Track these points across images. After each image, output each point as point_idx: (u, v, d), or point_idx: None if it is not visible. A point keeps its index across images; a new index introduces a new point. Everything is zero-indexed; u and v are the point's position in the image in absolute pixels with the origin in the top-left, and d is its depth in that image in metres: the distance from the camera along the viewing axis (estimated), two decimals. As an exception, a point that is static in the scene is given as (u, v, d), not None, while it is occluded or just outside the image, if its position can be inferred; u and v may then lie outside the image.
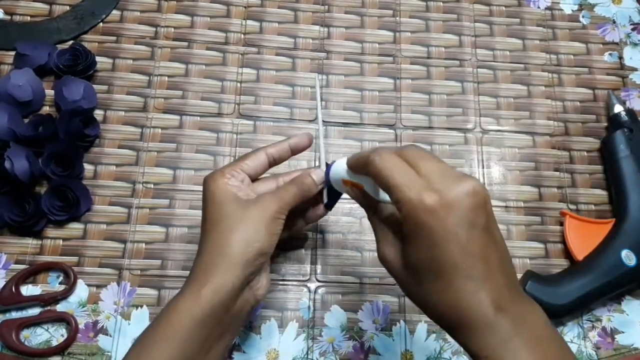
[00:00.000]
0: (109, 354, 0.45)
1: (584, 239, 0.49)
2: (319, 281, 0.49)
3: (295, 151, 0.41)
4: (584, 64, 0.58)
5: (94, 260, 0.48)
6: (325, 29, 0.58)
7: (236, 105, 0.54)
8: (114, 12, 0.56)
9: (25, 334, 0.45)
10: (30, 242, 0.48)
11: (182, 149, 0.52)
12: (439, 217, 0.28)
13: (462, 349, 0.47)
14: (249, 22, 0.57)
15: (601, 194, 0.53)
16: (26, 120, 0.51)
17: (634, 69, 0.58)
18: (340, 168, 0.37)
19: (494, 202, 0.51)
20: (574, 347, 0.48)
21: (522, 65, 0.58)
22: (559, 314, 0.46)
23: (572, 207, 0.53)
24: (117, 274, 0.48)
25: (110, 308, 0.46)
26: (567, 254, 0.50)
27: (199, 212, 0.38)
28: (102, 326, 0.46)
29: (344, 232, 0.50)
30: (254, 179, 0.40)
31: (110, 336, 0.46)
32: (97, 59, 0.54)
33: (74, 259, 0.48)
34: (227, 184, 0.37)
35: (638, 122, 0.52)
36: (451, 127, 0.55)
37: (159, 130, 0.52)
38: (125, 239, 0.49)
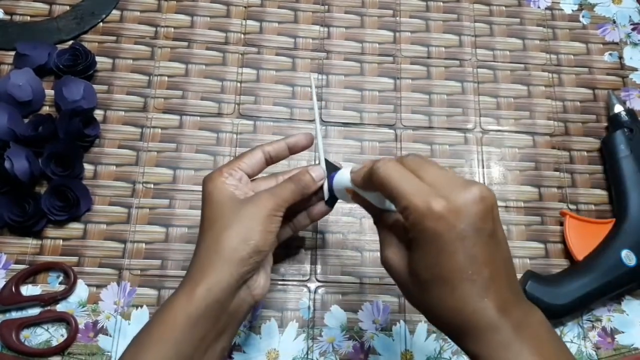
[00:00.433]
0: (109, 354, 0.45)
1: (584, 239, 0.49)
2: (319, 281, 0.49)
3: (293, 150, 0.41)
4: (584, 64, 0.58)
5: (94, 260, 0.48)
6: (325, 29, 0.58)
7: (236, 105, 0.54)
8: (114, 12, 0.56)
9: (25, 334, 0.45)
10: (30, 242, 0.48)
11: (182, 149, 0.52)
12: (447, 223, 0.28)
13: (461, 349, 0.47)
14: (249, 22, 0.57)
15: (601, 194, 0.53)
16: (26, 120, 0.51)
17: (634, 69, 0.58)
18: (344, 178, 0.37)
19: (494, 202, 0.51)
20: (574, 347, 0.48)
21: (522, 65, 0.58)
22: (559, 314, 0.46)
23: (572, 207, 0.53)
24: (117, 274, 0.48)
25: (110, 308, 0.46)
26: (567, 254, 0.50)
27: (199, 212, 0.38)
28: (102, 326, 0.46)
29: (344, 232, 0.50)
30: (252, 177, 0.40)
31: (110, 336, 0.46)
32: (97, 59, 0.54)
33: (74, 259, 0.48)
34: (225, 183, 0.37)
35: (638, 122, 0.52)
36: (451, 127, 0.55)
37: (159, 130, 0.52)
38: (125, 239, 0.49)
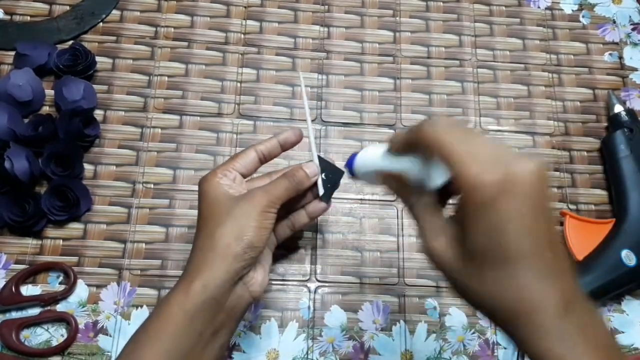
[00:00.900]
0: (109, 354, 0.45)
1: (584, 239, 0.49)
2: (319, 281, 0.49)
3: (284, 147, 0.41)
4: (584, 64, 0.58)
5: (94, 260, 0.48)
6: (325, 29, 0.58)
7: (236, 105, 0.54)
8: (114, 12, 0.56)
9: (25, 334, 0.45)
10: (30, 242, 0.48)
11: (182, 149, 0.52)
12: (506, 196, 0.25)
13: (462, 349, 0.47)
14: (249, 22, 0.57)
15: (601, 194, 0.53)
16: (26, 120, 0.51)
17: (634, 69, 0.58)
18: (371, 158, 0.34)
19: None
20: (574, 347, 0.48)
21: (522, 65, 0.58)
22: (559, 314, 0.46)
23: (572, 207, 0.52)
24: (117, 274, 0.48)
25: (110, 308, 0.46)
26: (567, 254, 0.50)
27: (199, 212, 0.38)
28: (102, 326, 0.46)
29: (344, 232, 0.50)
30: (246, 176, 0.40)
31: (110, 336, 0.46)
32: (97, 59, 0.54)
33: (74, 259, 0.48)
34: (219, 183, 0.37)
35: (638, 122, 0.52)
36: (451, 127, 0.55)
37: (159, 130, 0.52)
38: (125, 239, 0.49)
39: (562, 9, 0.61)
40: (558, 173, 0.54)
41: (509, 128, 0.55)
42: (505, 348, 0.47)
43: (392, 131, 0.54)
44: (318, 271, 0.49)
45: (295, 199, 0.40)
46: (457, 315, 0.48)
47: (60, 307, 0.46)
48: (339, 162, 0.43)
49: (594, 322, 0.27)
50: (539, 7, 0.60)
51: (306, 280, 0.49)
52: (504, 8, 0.60)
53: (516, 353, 0.47)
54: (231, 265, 0.35)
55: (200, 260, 0.35)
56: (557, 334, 0.25)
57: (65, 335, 0.45)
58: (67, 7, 0.56)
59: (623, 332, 0.48)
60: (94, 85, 0.53)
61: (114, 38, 0.55)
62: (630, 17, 0.61)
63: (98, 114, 0.52)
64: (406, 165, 0.31)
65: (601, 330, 0.27)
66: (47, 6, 0.56)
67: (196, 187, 0.38)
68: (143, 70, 0.54)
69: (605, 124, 0.55)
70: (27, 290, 0.46)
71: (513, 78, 0.57)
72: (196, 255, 0.36)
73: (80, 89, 0.51)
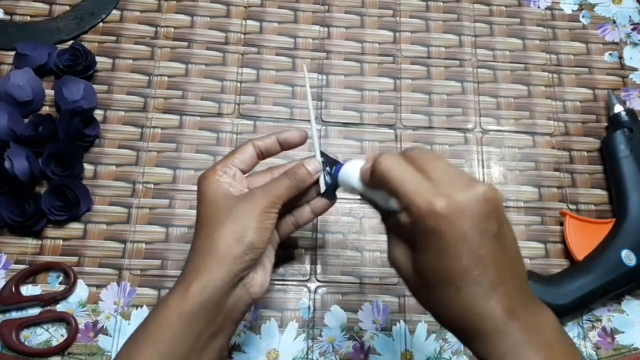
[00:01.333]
0: (109, 354, 0.45)
1: (584, 239, 0.49)
2: (319, 281, 0.49)
3: (285, 146, 0.40)
4: (584, 64, 0.58)
5: (94, 260, 0.48)
6: (325, 29, 0.58)
7: (236, 105, 0.54)
8: (114, 12, 0.56)
9: (25, 334, 0.45)
10: (30, 242, 0.48)
11: (182, 149, 0.52)
12: (449, 223, 0.27)
13: (462, 349, 0.47)
14: (249, 22, 0.57)
15: (601, 194, 0.53)
16: (26, 120, 0.51)
17: (634, 69, 0.58)
18: (350, 175, 0.36)
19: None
20: (574, 347, 0.48)
21: (522, 65, 0.58)
22: (559, 314, 0.46)
23: (572, 207, 0.53)
24: (117, 274, 0.48)
25: (110, 308, 0.46)
26: (567, 254, 0.50)
27: (199, 212, 0.38)
28: (102, 326, 0.46)
29: (344, 232, 0.50)
30: (246, 172, 0.39)
31: (110, 336, 0.46)
32: (97, 59, 0.54)
33: (74, 259, 0.48)
34: (219, 181, 0.36)
35: (638, 122, 0.52)
36: (451, 127, 0.55)
37: (159, 130, 0.52)
38: (125, 239, 0.49)
39: (562, 9, 0.61)
40: (558, 173, 0.54)
41: (509, 128, 0.55)
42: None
43: (392, 131, 0.54)
44: (318, 271, 0.49)
45: (298, 195, 0.38)
46: (457, 315, 0.48)
47: (60, 307, 0.46)
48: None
49: (540, 323, 0.29)
50: (539, 7, 0.60)
51: (306, 280, 0.49)
52: (504, 8, 0.60)
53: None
54: (231, 267, 0.34)
55: (199, 261, 0.35)
56: (500, 338, 0.27)
57: (65, 335, 0.45)
58: (67, 7, 0.56)
59: (623, 332, 0.48)
60: (94, 85, 0.53)
61: (114, 38, 0.55)
62: (630, 17, 0.61)
63: (98, 114, 0.52)
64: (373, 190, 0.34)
65: (548, 330, 0.29)
66: (47, 6, 0.56)
67: (196, 187, 0.38)
68: (143, 70, 0.54)
69: (605, 124, 0.55)
70: (27, 290, 0.46)
71: (513, 78, 0.57)
72: (195, 256, 0.35)
73: (80, 89, 0.51)
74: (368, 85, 0.56)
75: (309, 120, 0.40)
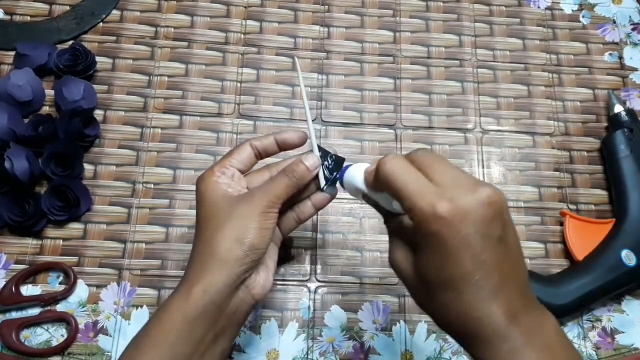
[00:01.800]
0: (109, 354, 0.45)
1: (584, 239, 0.49)
2: (319, 281, 0.49)
3: (283, 147, 0.39)
4: (584, 64, 0.58)
5: (94, 260, 0.48)
6: (325, 29, 0.58)
7: (236, 105, 0.54)
8: (114, 12, 0.56)
9: (25, 334, 0.45)
10: (30, 242, 0.48)
11: (182, 149, 0.52)
12: (452, 227, 0.27)
13: (462, 349, 0.47)
14: (249, 22, 0.57)
15: (601, 194, 0.53)
16: (26, 120, 0.51)
17: (634, 69, 0.58)
18: (354, 177, 0.36)
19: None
20: (574, 347, 0.48)
21: (522, 65, 0.58)
22: (559, 314, 0.46)
23: (572, 207, 0.53)
24: (117, 274, 0.48)
25: (110, 308, 0.46)
26: (567, 254, 0.50)
27: (198, 212, 0.38)
28: (102, 326, 0.46)
29: (344, 232, 0.50)
30: (244, 172, 0.39)
31: (110, 336, 0.46)
32: (97, 59, 0.54)
33: (74, 259, 0.48)
34: (217, 182, 0.36)
35: (638, 122, 0.52)
36: (451, 127, 0.55)
37: (159, 130, 0.52)
38: (125, 239, 0.49)
39: (562, 9, 0.61)
40: (558, 173, 0.54)
41: (509, 128, 0.55)
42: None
43: (392, 131, 0.54)
44: (318, 271, 0.49)
45: (298, 191, 0.38)
46: (457, 315, 0.48)
47: (60, 307, 0.46)
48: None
49: (541, 326, 0.28)
50: (539, 7, 0.60)
51: (306, 280, 0.49)
52: (504, 8, 0.60)
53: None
54: (232, 269, 0.34)
55: (200, 264, 0.34)
56: (501, 342, 0.27)
57: (65, 335, 0.45)
58: (67, 7, 0.56)
59: (623, 332, 0.48)
60: (94, 85, 0.53)
61: (114, 38, 0.55)
62: (630, 17, 0.61)
63: (98, 114, 0.52)
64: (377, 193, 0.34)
65: (549, 333, 0.28)
66: (47, 6, 0.56)
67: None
68: (143, 70, 0.54)
69: (605, 124, 0.55)
70: (27, 290, 0.46)
71: (513, 78, 0.57)
72: (196, 258, 0.35)
73: (80, 89, 0.51)
74: (368, 85, 0.56)
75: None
